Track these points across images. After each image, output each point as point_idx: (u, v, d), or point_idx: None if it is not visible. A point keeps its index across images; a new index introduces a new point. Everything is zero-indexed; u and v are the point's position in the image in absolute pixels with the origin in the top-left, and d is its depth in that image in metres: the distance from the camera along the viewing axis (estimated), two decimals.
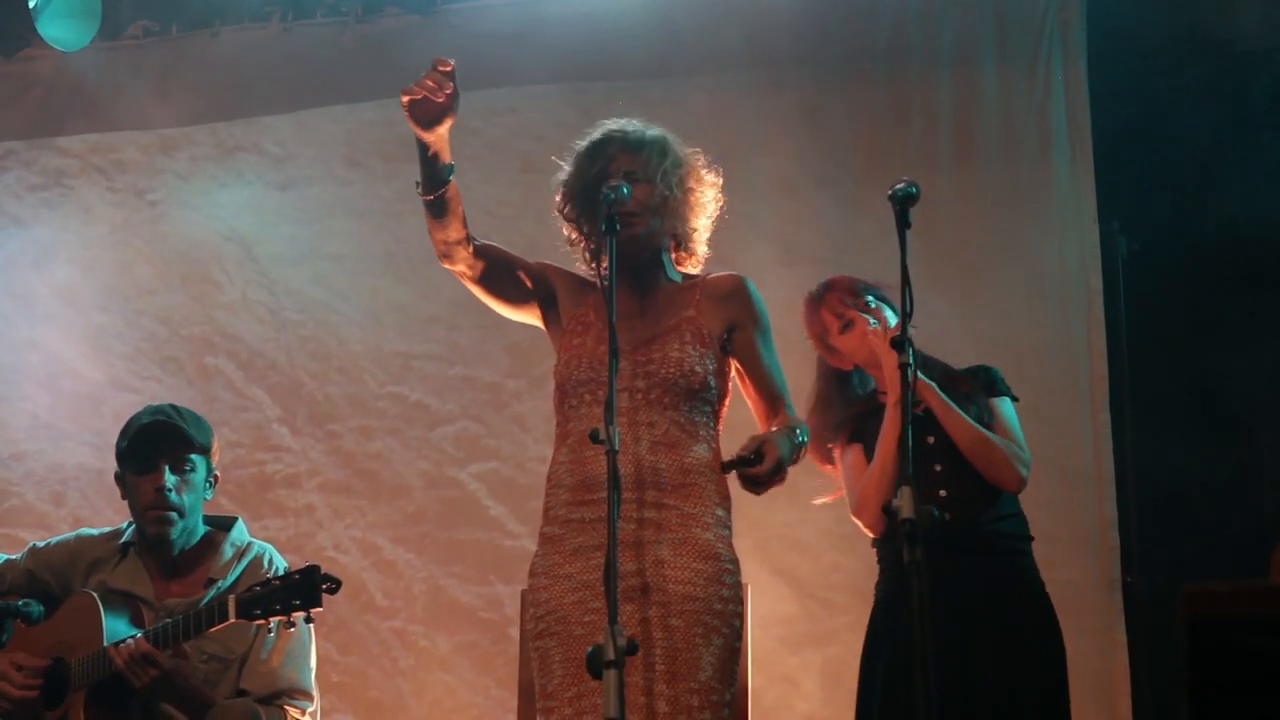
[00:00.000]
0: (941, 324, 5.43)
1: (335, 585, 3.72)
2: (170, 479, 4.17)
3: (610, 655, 3.12)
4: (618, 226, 3.57)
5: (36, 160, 6.83)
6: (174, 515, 4.17)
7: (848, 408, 4.49)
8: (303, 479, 6.27)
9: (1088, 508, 5.59)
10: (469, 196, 6.37)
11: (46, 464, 6.48)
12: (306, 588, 3.71)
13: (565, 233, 4.10)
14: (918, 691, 3.22)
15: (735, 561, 3.71)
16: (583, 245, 4.02)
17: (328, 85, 6.64)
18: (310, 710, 4.15)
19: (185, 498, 4.19)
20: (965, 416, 4.21)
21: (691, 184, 3.97)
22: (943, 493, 4.12)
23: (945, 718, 3.82)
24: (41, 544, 4.39)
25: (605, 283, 3.52)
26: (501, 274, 4.05)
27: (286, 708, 4.09)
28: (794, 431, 3.65)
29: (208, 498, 4.31)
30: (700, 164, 4.04)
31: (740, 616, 3.69)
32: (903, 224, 3.71)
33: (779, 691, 5.62)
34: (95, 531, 4.41)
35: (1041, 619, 4.24)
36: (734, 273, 4.01)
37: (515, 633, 4.34)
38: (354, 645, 5.85)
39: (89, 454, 6.44)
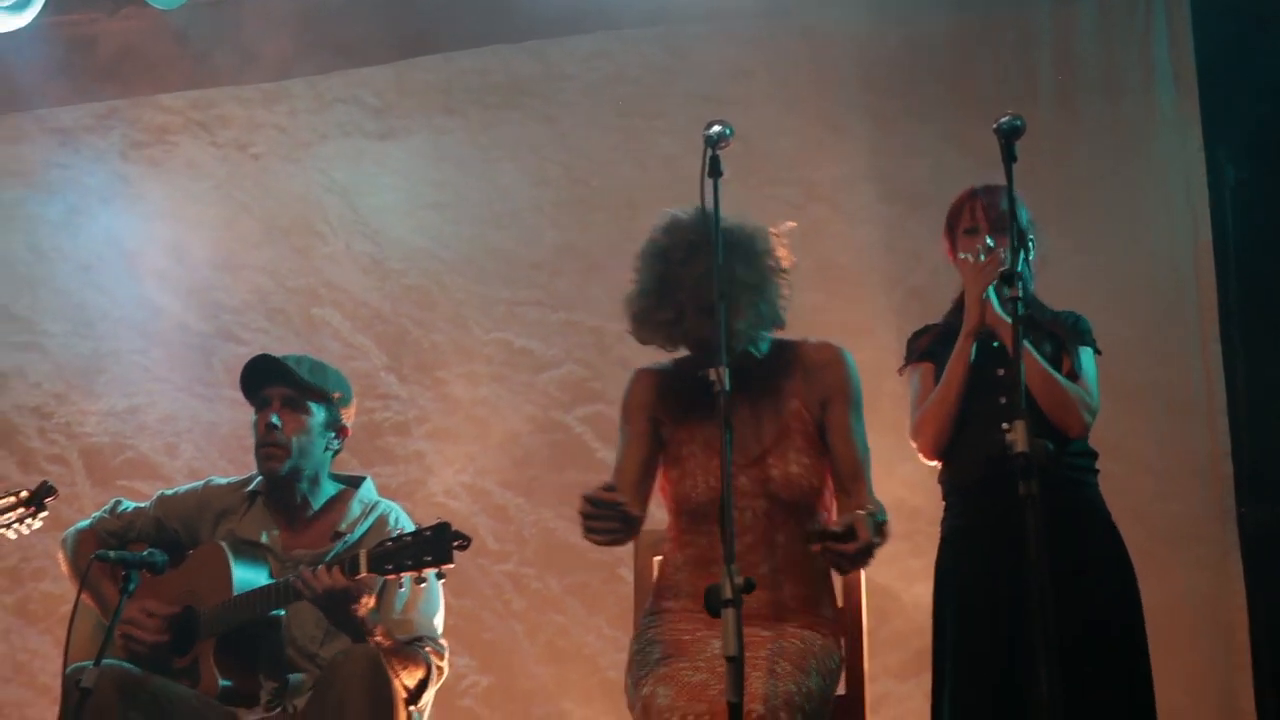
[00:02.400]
0: (1046, 258, 5.39)
1: (466, 542, 3.74)
2: (279, 417, 4.21)
3: (728, 594, 3.14)
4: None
5: (140, 118, 6.91)
6: (279, 452, 4.21)
7: (948, 319, 4.44)
8: (411, 426, 6.33)
9: (1199, 439, 5.54)
10: (566, 143, 6.44)
11: (159, 416, 6.57)
12: (438, 544, 3.74)
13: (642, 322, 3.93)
14: (1036, 625, 3.21)
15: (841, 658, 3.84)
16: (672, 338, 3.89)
17: (425, 35, 6.67)
18: (446, 659, 4.20)
19: (296, 439, 4.23)
20: (1037, 356, 4.15)
21: (775, 269, 3.91)
22: (1005, 425, 4.06)
23: (1020, 651, 3.84)
24: (170, 493, 4.45)
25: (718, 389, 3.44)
26: (652, 477, 3.99)
27: (430, 649, 4.14)
28: (877, 516, 3.62)
29: (333, 448, 4.34)
30: (774, 241, 3.96)
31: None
32: (1009, 158, 3.69)
33: None
34: (223, 481, 4.46)
35: (1113, 551, 4.16)
36: (829, 343, 4.02)
37: (626, 573, 4.37)
38: (467, 589, 5.91)
39: (201, 406, 6.54)
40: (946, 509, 4.30)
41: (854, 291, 5.77)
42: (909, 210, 5.96)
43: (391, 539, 3.80)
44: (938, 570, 4.24)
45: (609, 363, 6.19)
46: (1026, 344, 4.07)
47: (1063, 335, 4.26)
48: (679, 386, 3.95)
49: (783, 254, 3.93)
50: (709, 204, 3.53)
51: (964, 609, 4.11)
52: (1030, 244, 4.29)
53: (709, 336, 3.60)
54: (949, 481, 4.29)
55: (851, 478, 3.88)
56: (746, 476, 3.83)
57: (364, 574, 3.81)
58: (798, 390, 3.92)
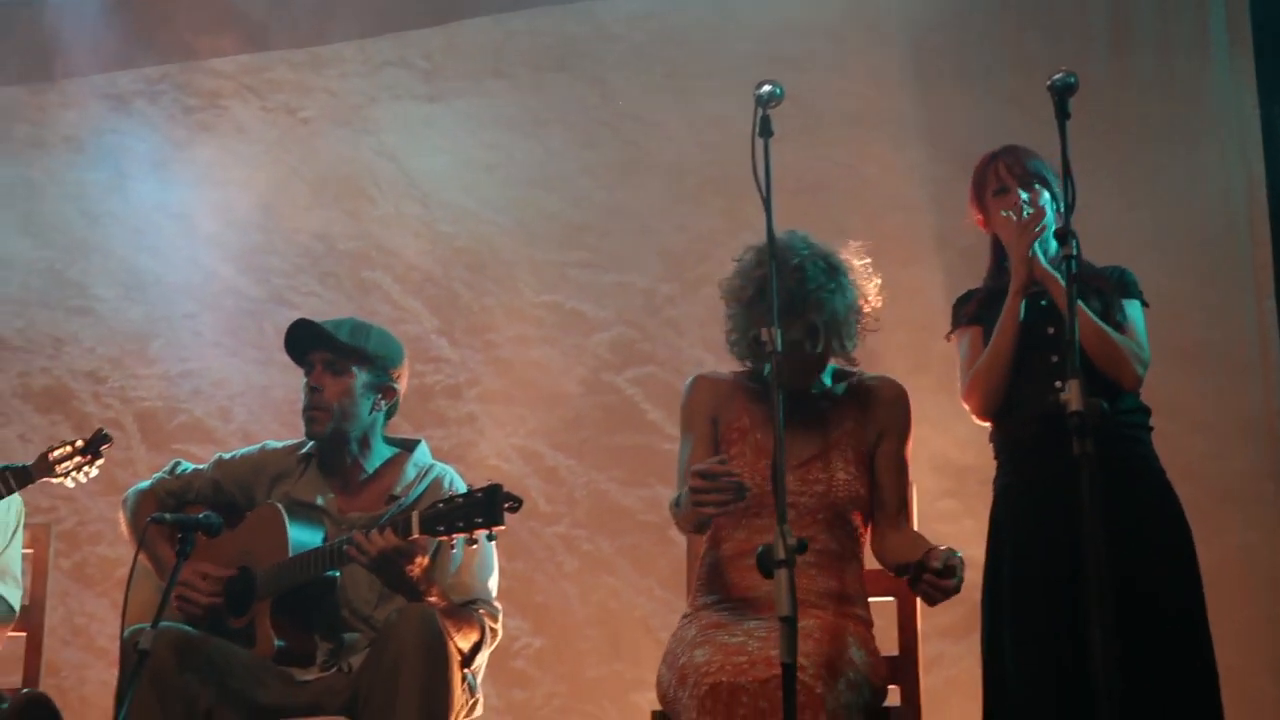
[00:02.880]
0: (1100, 215, 5.35)
1: (517, 504, 3.74)
2: (320, 379, 4.23)
3: (781, 554, 3.14)
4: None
5: (191, 83, 6.94)
6: (320, 415, 4.23)
7: (989, 282, 4.42)
8: (463, 389, 6.35)
9: (1253, 397, 5.50)
10: (615, 105, 6.43)
11: (213, 380, 6.62)
12: (489, 506, 3.73)
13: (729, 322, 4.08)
14: (1091, 583, 3.20)
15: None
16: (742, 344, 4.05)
17: None
18: (500, 621, 4.22)
19: (338, 402, 4.23)
20: (1088, 311, 4.12)
21: (860, 306, 4.03)
22: (1058, 384, 4.03)
23: (1077, 609, 3.83)
24: (227, 455, 4.47)
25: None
26: None
27: (484, 612, 4.16)
28: (957, 553, 3.71)
29: (380, 410, 4.35)
30: (859, 270, 4.07)
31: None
32: (1062, 115, 3.67)
33: None
34: (279, 444, 4.47)
35: (1168, 507, 4.12)
36: (891, 379, 4.14)
37: (677, 535, 4.36)
38: (519, 551, 5.93)
39: (254, 370, 6.57)
40: (999, 467, 4.29)
41: (904, 252, 5.75)
42: (960, 170, 5.90)
43: (443, 501, 3.80)
44: (991, 527, 4.23)
45: (659, 324, 6.19)
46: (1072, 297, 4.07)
47: (1109, 290, 4.24)
48: (735, 395, 4.08)
49: (873, 296, 4.06)
50: (759, 165, 3.52)
51: (1019, 566, 4.09)
52: (1058, 196, 4.26)
53: (797, 368, 3.88)
54: (1001, 440, 4.28)
55: (899, 508, 4.04)
56: (794, 476, 3.92)
57: (416, 535, 3.81)
58: (854, 415, 4.06)
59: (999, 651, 4.07)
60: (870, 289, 4.05)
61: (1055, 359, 4.11)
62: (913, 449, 4.10)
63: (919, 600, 4.11)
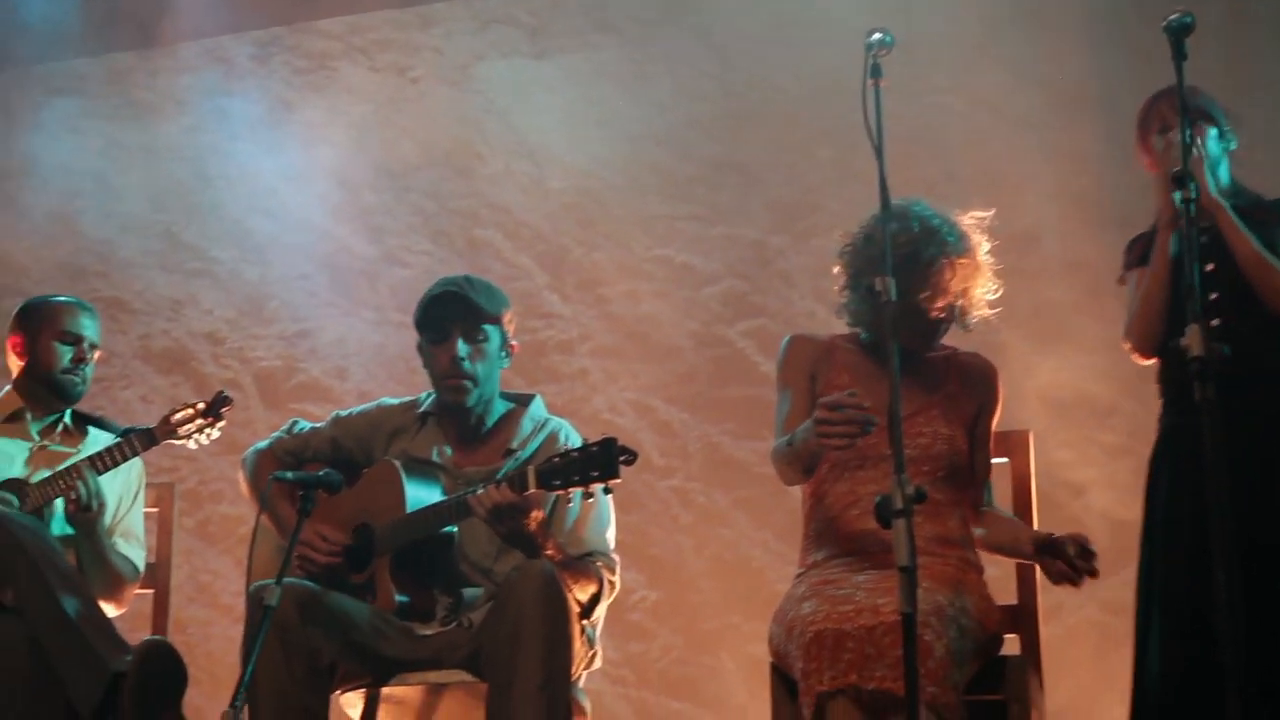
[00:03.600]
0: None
1: (632, 457, 3.74)
2: (463, 348, 4.23)
3: (899, 504, 3.13)
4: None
5: (300, 44, 7.00)
6: (468, 384, 4.23)
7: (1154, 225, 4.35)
8: (575, 344, 6.37)
9: None
10: (722, 56, 6.40)
11: (329, 340, 6.68)
12: (604, 459, 3.73)
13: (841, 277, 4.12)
14: (1215, 528, 3.16)
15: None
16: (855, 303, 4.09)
17: None
18: (617, 574, 4.24)
19: (479, 366, 4.25)
20: (1251, 239, 4.03)
21: (975, 277, 4.03)
22: (1215, 322, 3.96)
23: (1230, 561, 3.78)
24: (345, 413, 4.51)
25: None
26: None
27: (598, 563, 4.18)
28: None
29: (504, 366, 4.37)
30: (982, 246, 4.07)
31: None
32: (1178, 56, 3.61)
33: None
34: (395, 401, 4.50)
35: None
36: (983, 356, 4.18)
37: (793, 487, 4.36)
38: (634, 504, 5.95)
39: (368, 329, 6.63)
40: (1164, 407, 4.22)
41: (1017, 199, 5.68)
42: (1073, 115, 5.85)
43: (558, 455, 3.81)
44: (1151, 467, 4.18)
45: (769, 276, 6.18)
46: (1240, 224, 3.98)
47: (1274, 222, 4.13)
48: (832, 353, 4.12)
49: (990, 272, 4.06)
50: (870, 113, 3.50)
51: (1171, 507, 4.04)
52: (1228, 134, 4.18)
53: (920, 330, 3.96)
54: (1165, 379, 4.21)
55: (984, 485, 4.12)
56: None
57: (532, 490, 3.84)
58: (956, 382, 4.10)
59: (1151, 588, 4.03)
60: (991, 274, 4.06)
61: (1214, 296, 4.02)
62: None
63: None
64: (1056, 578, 3.82)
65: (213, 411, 4.52)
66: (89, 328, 4.79)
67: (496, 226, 6.57)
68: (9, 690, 3.97)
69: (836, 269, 4.09)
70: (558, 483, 3.78)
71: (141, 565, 4.72)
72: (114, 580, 4.61)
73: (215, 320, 6.82)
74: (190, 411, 4.50)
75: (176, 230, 6.94)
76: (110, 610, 4.55)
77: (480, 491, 3.89)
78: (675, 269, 6.34)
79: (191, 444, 4.56)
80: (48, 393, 4.77)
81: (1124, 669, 4.00)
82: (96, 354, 4.82)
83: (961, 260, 3.94)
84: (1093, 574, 3.76)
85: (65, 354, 4.73)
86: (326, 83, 6.93)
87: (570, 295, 6.43)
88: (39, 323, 4.76)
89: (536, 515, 3.93)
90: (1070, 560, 3.78)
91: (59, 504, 4.54)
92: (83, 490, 4.42)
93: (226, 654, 6.19)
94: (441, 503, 4.04)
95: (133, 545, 4.71)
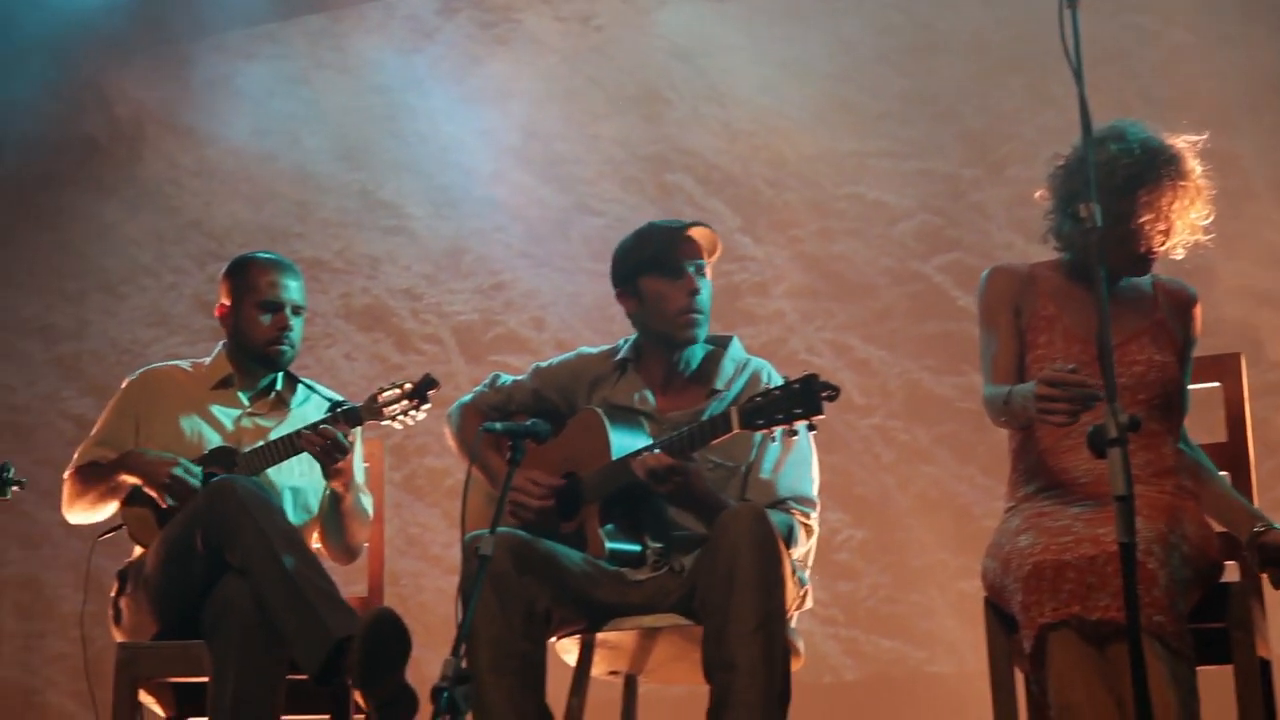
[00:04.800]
0: None
1: (835, 393, 3.71)
2: (701, 283, 4.23)
3: (1113, 433, 3.07)
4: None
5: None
6: (701, 318, 4.24)
7: None
8: (769, 286, 6.35)
9: None
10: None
11: (524, 291, 6.74)
12: (807, 396, 3.70)
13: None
14: None
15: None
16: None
17: None
18: (814, 516, 4.22)
19: (710, 303, 4.27)
20: None
21: (1195, 201, 3.91)
22: None
23: None
24: (545, 364, 4.53)
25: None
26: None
27: (793, 510, 4.17)
28: None
29: None
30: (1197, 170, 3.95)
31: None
32: None
33: None
34: (593, 350, 4.51)
35: None
36: (1186, 284, 4.06)
37: None
38: (836, 444, 5.93)
39: (562, 279, 6.68)
40: None
41: (1218, 119, 5.53)
42: (1275, 29, 5.69)
43: (760, 394, 3.79)
44: None
45: (964, 209, 6.11)
46: None
47: None
48: (1035, 284, 4.02)
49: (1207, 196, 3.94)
50: (1068, 35, 3.42)
51: None
52: None
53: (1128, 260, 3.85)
54: None
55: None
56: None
57: (736, 430, 3.82)
58: (1165, 310, 3.99)
59: None
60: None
61: None
62: None
63: (1253, 475, 4.03)
64: (1270, 574, 3.73)
65: (418, 393, 4.50)
66: (291, 289, 4.76)
67: (686, 171, 6.57)
68: (241, 643, 4.06)
69: (1041, 193, 4.02)
70: (761, 422, 3.77)
71: (372, 512, 4.80)
72: (359, 529, 4.72)
73: (413, 276, 6.91)
74: (397, 392, 4.51)
75: (371, 188, 7.04)
76: (347, 561, 4.74)
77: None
78: (868, 206, 6.29)
79: (396, 425, 4.55)
80: (254, 362, 4.78)
81: None
82: (303, 315, 4.81)
83: (1183, 184, 3.84)
84: None
85: (268, 323, 4.72)
86: (512, 35, 6.97)
87: (763, 237, 6.41)
88: (241, 291, 4.75)
89: (695, 473, 3.93)
90: None
91: (269, 473, 4.61)
92: (340, 439, 4.47)
93: (438, 605, 6.30)
94: (645, 449, 4.04)
95: (364, 494, 4.79)
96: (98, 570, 4.85)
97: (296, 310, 4.77)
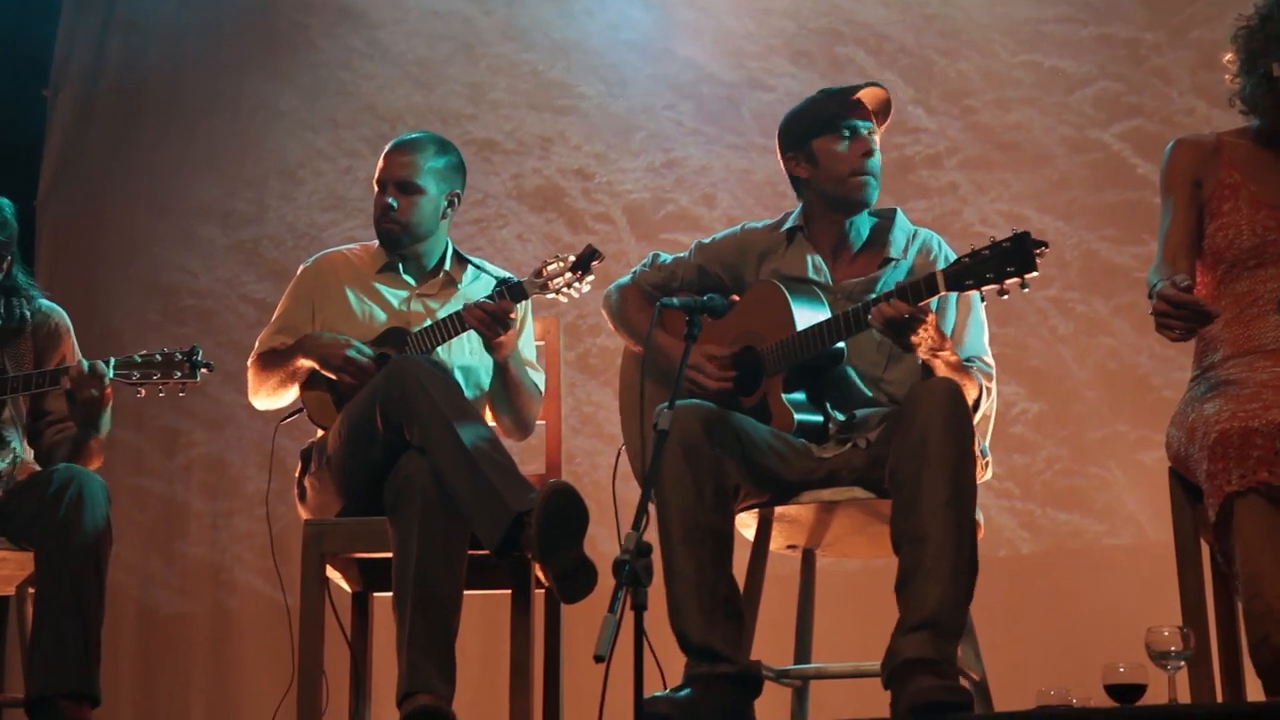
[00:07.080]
0: None
1: (1046, 247, 3.66)
2: (874, 142, 4.21)
3: None
4: None
5: None
6: (875, 180, 4.21)
7: None
8: (943, 158, 6.27)
9: None
10: None
11: (695, 169, 6.71)
12: (1019, 253, 3.64)
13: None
14: None
15: None
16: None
17: None
18: (994, 380, 4.19)
19: (879, 164, 4.24)
20: None
21: None
22: None
23: None
24: (707, 240, 4.51)
25: None
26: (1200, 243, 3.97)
27: (974, 367, 4.13)
28: None
29: None
30: None
31: None
32: None
33: None
34: (758, 224, 4.47)
35: None
36: None
37: None
38: (1011, 316, 5.86)
39: (733, 156, 6.65)
40: None
41: None
42: None
43: (967, 255, 3.73)
44: None
45: (1144, 74, 5.98)
46: None
47: None
48: (1218, 153, 3.92)
49: None
50: None
51: None
52: None
53: None
54: None
55: None
56: None
57: (942, 292, 3.78)
58: None
59: None
60: None
61: None
62: None
63: None
64: None
65: (582, 265, 4.50)
66: (395, 165, 4.75)
67: (858, 43, 6.49)
68: (422, 519, 4.13)
69: (1228, 56, 3.91)
70: (970, 282, 3.70)
71: (544, 387, 4.84)
72: (527, 404, 4.75)
73: (584, 155, 6.91)
74: (560, 265, 4.51)
75: (542, 69, 7.04)
76: (521, 436, 4.79)
77: (876, 308, 3.85)
78: (1044, 74, 6.18)
79: (561, 298, 4.56)
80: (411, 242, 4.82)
81: None
82: (416, 192, 4.75)
83: None
84: None
85: (378, 203, 4.78)
86: None
87: (936, 108, 6.32)
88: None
89: (933, 320, 3.88)
90: None
91: (439, 351, 4.66)
92: (501, 313, 4.47)
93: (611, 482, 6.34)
94: (833, 319, 4.02)
95: (533, 370, 4.83)
96: (281, 450, 4.99)
97: (405, 187, 4.75)
